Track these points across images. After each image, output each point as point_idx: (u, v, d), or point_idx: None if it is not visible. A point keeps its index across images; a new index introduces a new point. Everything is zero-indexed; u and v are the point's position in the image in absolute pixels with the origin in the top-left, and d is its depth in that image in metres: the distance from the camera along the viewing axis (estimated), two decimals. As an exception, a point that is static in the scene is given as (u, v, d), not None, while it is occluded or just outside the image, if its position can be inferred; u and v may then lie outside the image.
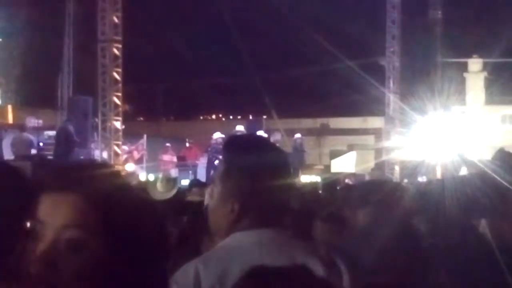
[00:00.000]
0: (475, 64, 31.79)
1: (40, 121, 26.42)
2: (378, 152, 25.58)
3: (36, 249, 1.61)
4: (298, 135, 25.29)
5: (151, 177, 21.12)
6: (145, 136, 24.49)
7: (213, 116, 41.37)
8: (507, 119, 32.33)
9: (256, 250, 2.42)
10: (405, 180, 17.39)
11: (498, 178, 3.82)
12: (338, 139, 31.83)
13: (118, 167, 21.25)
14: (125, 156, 22.45)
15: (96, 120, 22.04)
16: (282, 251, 2.41)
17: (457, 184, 4.01)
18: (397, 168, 24.10)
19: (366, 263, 2.99)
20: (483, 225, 3.63)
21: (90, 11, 22.79)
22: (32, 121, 26.10)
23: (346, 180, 15.90)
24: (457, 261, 3.25)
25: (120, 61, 21.62)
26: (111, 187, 1.70)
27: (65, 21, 28.19)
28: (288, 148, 23.00)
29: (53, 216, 1.64)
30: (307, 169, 22.58)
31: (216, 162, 23.11)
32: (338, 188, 9.12)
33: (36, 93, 27.63)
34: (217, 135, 23.79)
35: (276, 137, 23.57)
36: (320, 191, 8.80)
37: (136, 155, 23.89)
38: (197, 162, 24.82)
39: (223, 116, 40.65)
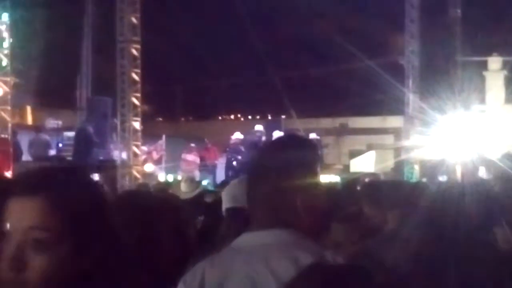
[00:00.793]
0: (494, 62, 31.53)
1: (60, 122, 26.59)
2: (398, 151, 25.48)
3: (5, 251, 1.71)
4: (313, 135, 25.19)
5: (170, 178, 21.20)
6: (164, 136, 24.51)
7: (232, 116, 41.31)
8: (528, 118, 32.11)
9: (259, 252, 2.40)
10: (424, 179, 17.35)
11: None
12: (357, 138, 31.74)
13: (136, 167, 21.37)
14: (144, 157, 22.47)
15: (115, 120, 22.08)
16: (286, 253, 2.38)
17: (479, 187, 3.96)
18: (416, 167, 24.01)
19: (398, 266, 2.94)
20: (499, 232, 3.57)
21: (109, 11, 22.81)
22: (52, 122, 26.27)
23: (366, 180, 15.83)
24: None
25: (138, 62, 21.61)
26: (76, 189, 1.79)
27: (84, 22, 28.36)
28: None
29: (21, 219, 1.72)
30: (326, 169, 22.50)
31: (235, 162, 23.13)
32: (358, 188, 9.07)
33: (55, 94, 27.74)
34: (237, 135, 23.80)
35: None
36: (339, 191, 8.76)
37: (155, 155, 23.92)
38: (216, 162, 24.84)
39: (241, 116, 40.60)
